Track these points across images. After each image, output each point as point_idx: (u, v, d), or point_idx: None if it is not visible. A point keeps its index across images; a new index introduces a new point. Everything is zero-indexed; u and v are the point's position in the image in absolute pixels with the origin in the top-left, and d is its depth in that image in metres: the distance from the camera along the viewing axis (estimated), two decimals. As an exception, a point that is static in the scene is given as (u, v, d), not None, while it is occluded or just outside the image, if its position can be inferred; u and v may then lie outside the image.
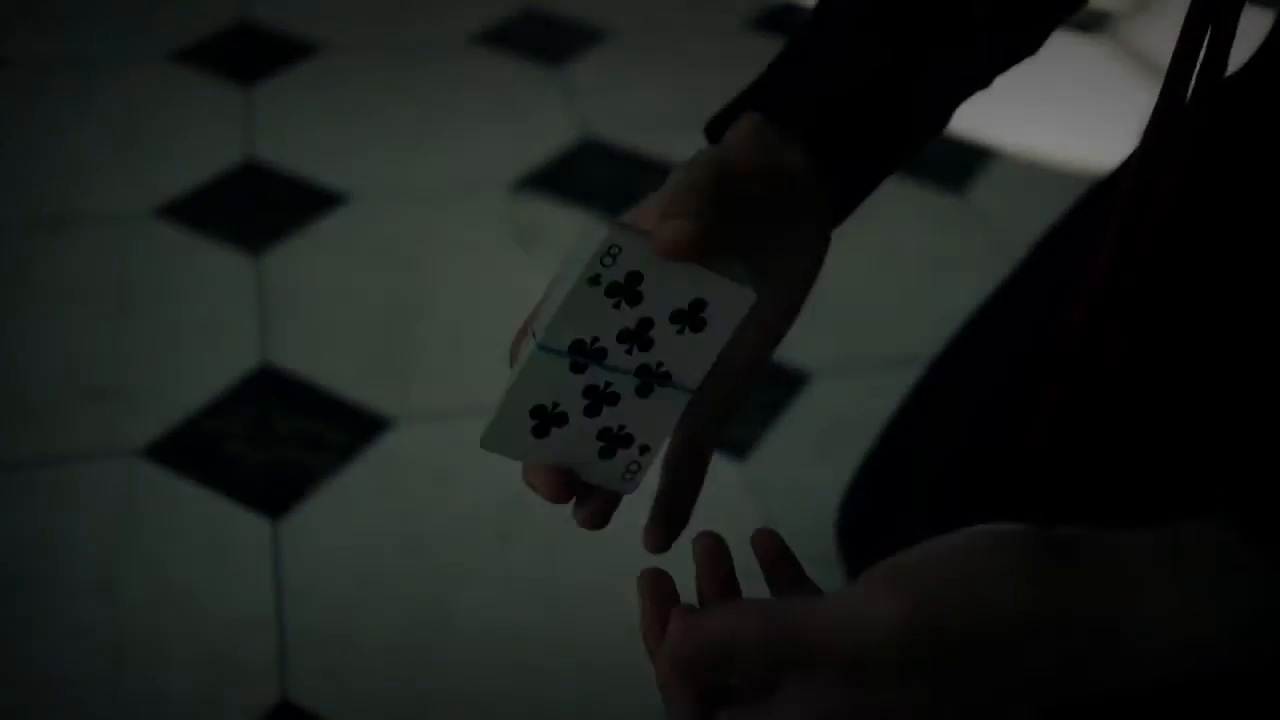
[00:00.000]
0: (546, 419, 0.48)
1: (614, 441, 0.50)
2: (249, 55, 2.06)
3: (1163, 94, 0.53)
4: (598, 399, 0.48)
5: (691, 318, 0.47)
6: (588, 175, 1.84)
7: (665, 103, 2.03)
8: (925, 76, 0.58)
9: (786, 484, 1.33)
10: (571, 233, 1.71)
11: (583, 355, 0.47)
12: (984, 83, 0.61)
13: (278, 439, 1.35)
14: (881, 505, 0.81)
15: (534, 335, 0.47)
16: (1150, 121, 0.53)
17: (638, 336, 0.47)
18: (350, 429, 1.38)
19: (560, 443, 0.49)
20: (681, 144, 1.91)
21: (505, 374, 1.48)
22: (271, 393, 1.42)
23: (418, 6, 2.26)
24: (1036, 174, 1.94)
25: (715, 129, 0.57)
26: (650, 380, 0.48)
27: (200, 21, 2.14)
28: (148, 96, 1.94)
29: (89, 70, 1.99)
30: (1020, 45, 0.62)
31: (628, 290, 0.45)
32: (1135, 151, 0.54)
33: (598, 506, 0.51)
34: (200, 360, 1.45)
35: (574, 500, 0.51)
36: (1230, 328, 0.65)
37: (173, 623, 1.16)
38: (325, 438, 1.36)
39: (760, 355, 0.53)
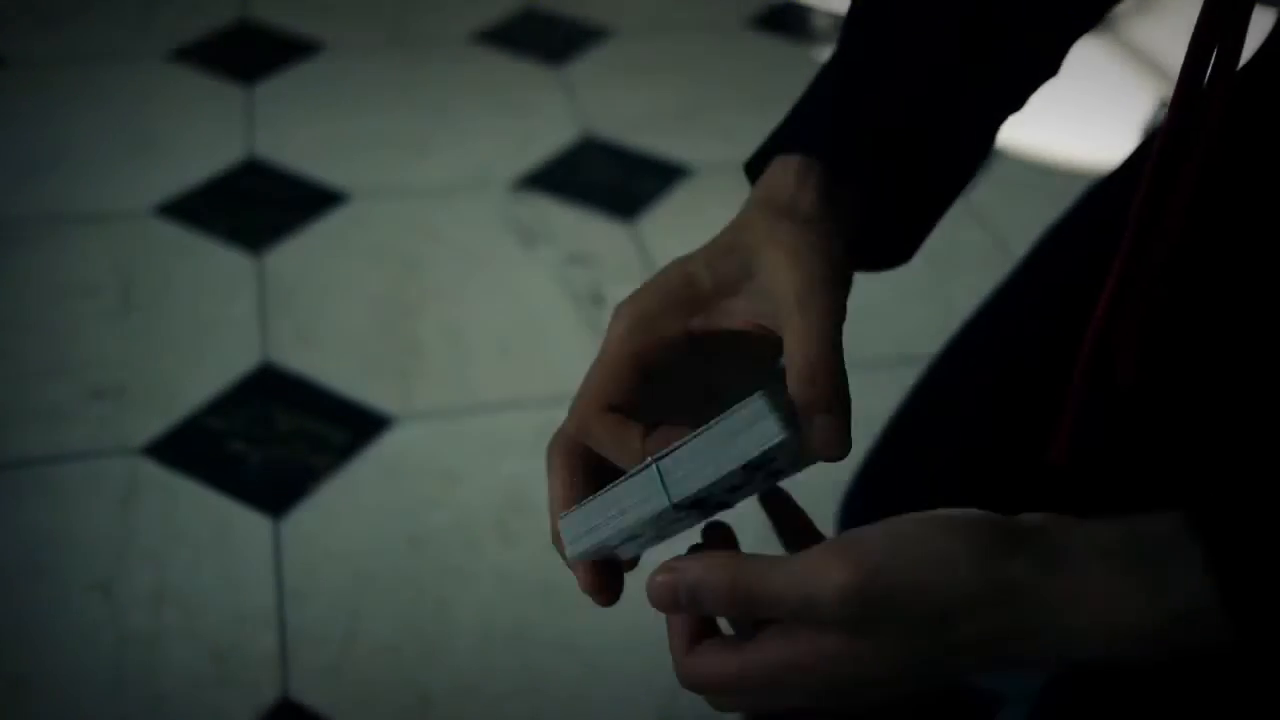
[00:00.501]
0: (629, 540, 0.50)
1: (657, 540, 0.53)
2: (250, 54, 2.07)
3: (1176, 95, 0.52)
4: (676, 524, 0.51)
5: (774, 472, 0.51)
6: (588, 174, 1.84)
7: (666, 102, 2.03)
8: (955, 108, 0.58)
9: (786, 482, 1.33)
10: (572, 231, 1.71)
11: (695, 505, 0.49)
12: (1015, 105, 0.62)
13: (278, 437, 1.36)
14: (882, 504, 0.81)
15: (665, 490, 0.48)
16: (1165, 127, 0.53)
17: (739, 485, 0.49)
18: (351, 427, 1.38)
19: (621, 548, 0.51)
20: (682, 143, 1.91)
21: (505, 372, 1.48)
22: (272, 391, 1.42)
23: (419, 5, 2.26)
24: (1037, 173, 1.94)
25: (755, 168, 0.58)
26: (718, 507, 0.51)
27: (201, 20, 2.15)
28: (149, 95, 1.94)
29: (90, 69, 1.99)
30: (1040, 66, 0.62)
31: (762, 464, 0.48)
32: (1154, 150, 0.53)
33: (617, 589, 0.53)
34: (201, 359, 1.45)
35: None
36: (1241, 332, 0.65)
37: (174, 620, 1.16)
38: (326, 436, 1.36)
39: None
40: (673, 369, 0.53)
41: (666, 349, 0.52)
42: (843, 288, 0.53)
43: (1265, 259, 0.64)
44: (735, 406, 0.47)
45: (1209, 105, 0.52)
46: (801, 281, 0.51)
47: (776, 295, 0.51)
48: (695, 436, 0.47)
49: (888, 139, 0.57)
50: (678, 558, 0.47)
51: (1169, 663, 0.44)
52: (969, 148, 0.60)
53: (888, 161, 0.57)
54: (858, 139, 0.56)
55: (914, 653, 0.44)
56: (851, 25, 0.61)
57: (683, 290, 0.52)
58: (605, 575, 0.51)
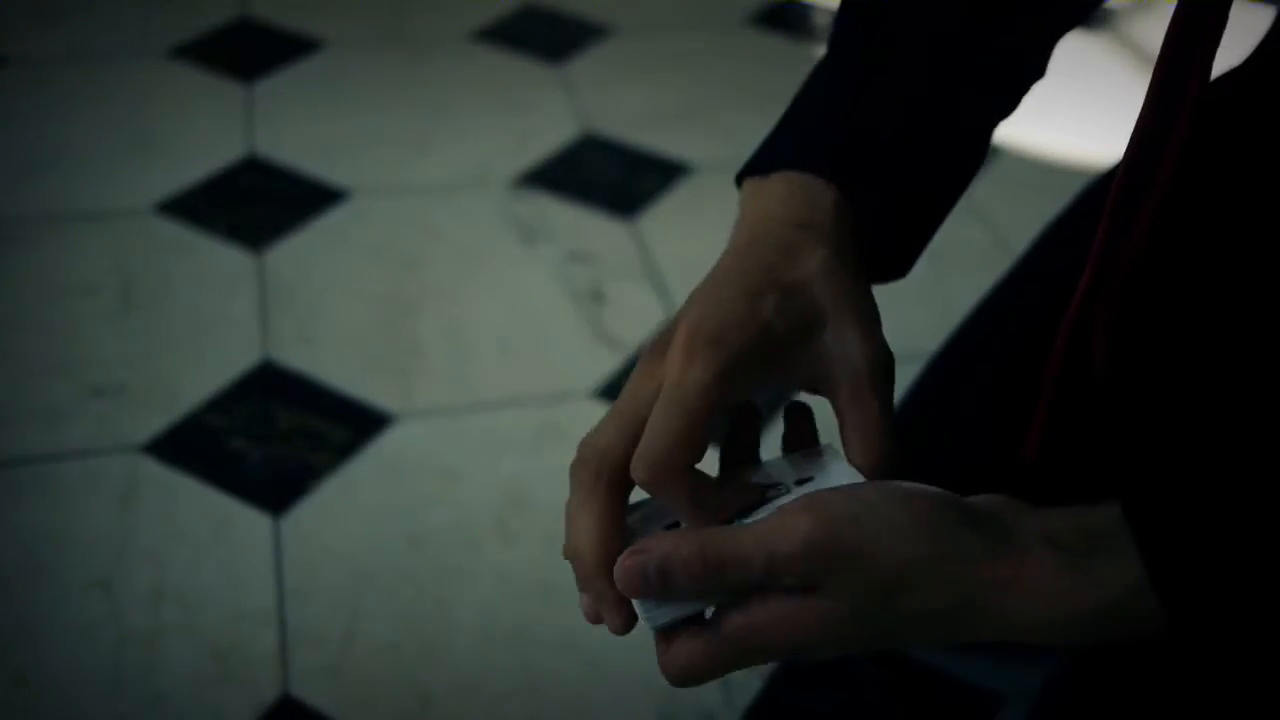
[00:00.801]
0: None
1: None
2: (250, 51, 2.06)
3: (1149, 100, 0.53)
4: None
5: None
6: (588, 172, 1.84)
7: (666, 100, 2.03)
8: (953, 110, 0.59)
9: (787, 481, 1.33)
10: (572, 230, 1.71)
11: None
12: (1008, 109, 0.62)
13: (279, 435, 1.36)
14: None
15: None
16: (1136, 131, 0.53)
17: None
18: (351, 425, 1.38)
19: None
20: (682, 141, 1.91)
21: (505, 371, 1.48)
22: (272, 389, 1.42)
23: (419, 3, 2.26)
24: (1037, 171, 1.94)
25: (751, 174, 0.58)
26: None
27: (201, 17, 2.14)
28: (149, 93, 1.94)
29: (90, 67, 1.99)
30: (1028, 68, 0.62)
31: None
32: (1124, 155, 0.54)
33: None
34: (201, 356, 1.45)
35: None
36: (1222, 331, 0.65)
37: (174, 619, 1.16)
38: (326, 434, 1.36)
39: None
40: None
41: (740, 396, 0.52)
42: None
43: (1240, 257, 0.64)
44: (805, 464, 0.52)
45: (1183, 106, 0.52)
46: (873, 362, 0.53)
47: (844, 371, 0.52)
48: (775, 499, 0.50)
49: (895, 154, 0.57)
50: (644, 539, 0.47)
51: (1112, 647, 0.46)
52: (967, 156, 0.61)
53: (896, 178, 0.57)
54: (871, 157, 0.57)
55: (865, 615, 0.45)
56: (844, 34, 0.61)
57: (760, 341, 0.51)
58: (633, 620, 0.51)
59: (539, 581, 1.22)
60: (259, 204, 1.71)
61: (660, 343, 0.52)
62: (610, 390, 1.44)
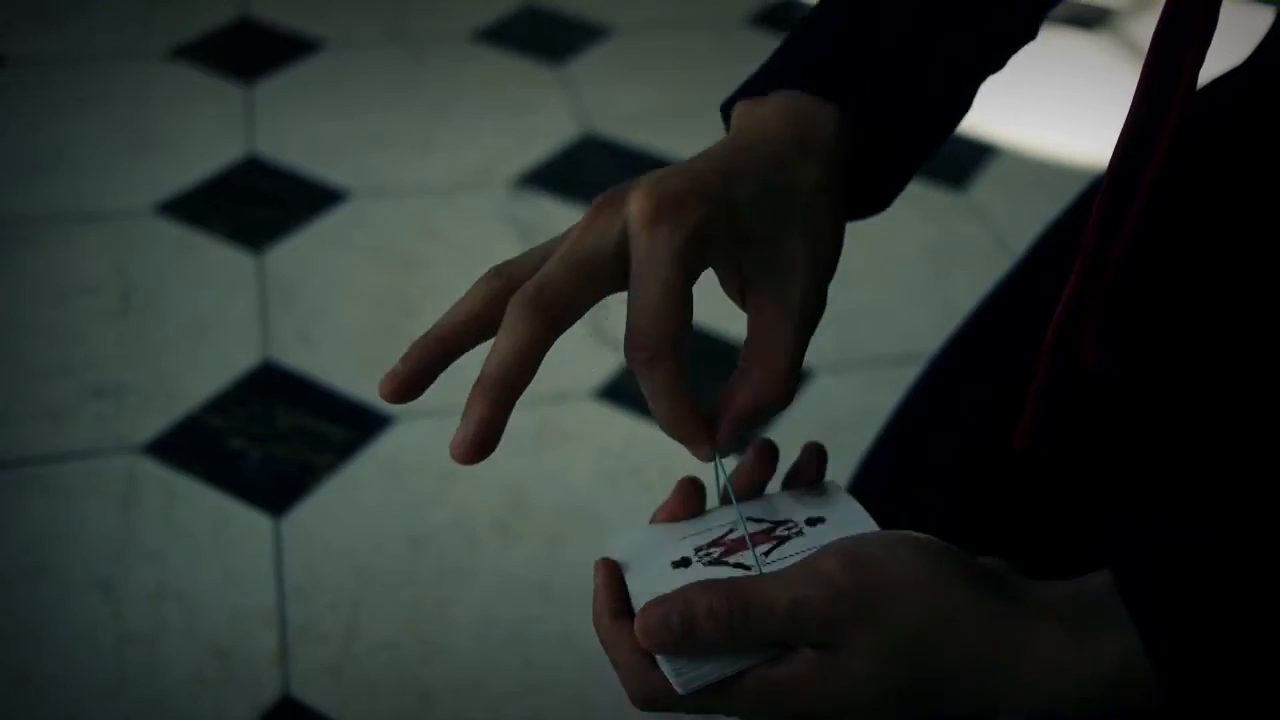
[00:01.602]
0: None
1: None
2: (250, 52, 2.07)
3: (1136, 101, 0.53)
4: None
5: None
6: (589, 172, 1.84)
7: (666, 99, 2.03)
8: (945, 50, 0.58)
9: (787, 480, 1.33)
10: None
11: None
12: (997, 63, 0.62)
13: (279, 436, 1.36)
14: (883, 500, 0.81)
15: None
16: (1124, 131, 0.53)
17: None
18: (351, 426, 1.38)
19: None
20: (682, 140, 1.91)
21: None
22: (273, 389, 1.42)
23: (419, 3, 2.26)
24: (1037, 170, 1.94)
25: (745, 97, 0.57)
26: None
27: (201, 18, 2.14)
28: (149, 93, 1.94)
29: (90, 67, 1.99)
30: (1018, 28, 0.62)
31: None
32: (1112, 154, 0.54)
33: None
34: (201, 357, 1.46)
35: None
36: (1217, 327, 0.65)
37: (174, 618, 1.16)
38: (326, 434, 1.36)
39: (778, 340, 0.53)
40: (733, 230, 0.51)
41: (702, 268, 0.50)
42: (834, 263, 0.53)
43: (1239, 255, 0.64)
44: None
45: (1171, 106, 0.52)
46: (810, 304, 0.51)
47: (780, 295, 0.51)
48: (788, 538, 0.51)
49: (891, 85, 0.56)
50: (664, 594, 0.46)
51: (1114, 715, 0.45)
52: (955, 100, 0.60)
53: (892, 108, 0.56)
54: (870, 85, 0.55)
55: (886, 676, 0.45)
56: None
57: (724, 219, 0.49)
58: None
59: (539, 581, 1.22)
60: (259, 204, 1.72)
61: (613, 195, 0.49)
62: (610, 390, 1.44)
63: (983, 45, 0.61)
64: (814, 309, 0.52)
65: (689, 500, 0.53)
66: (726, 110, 0.58)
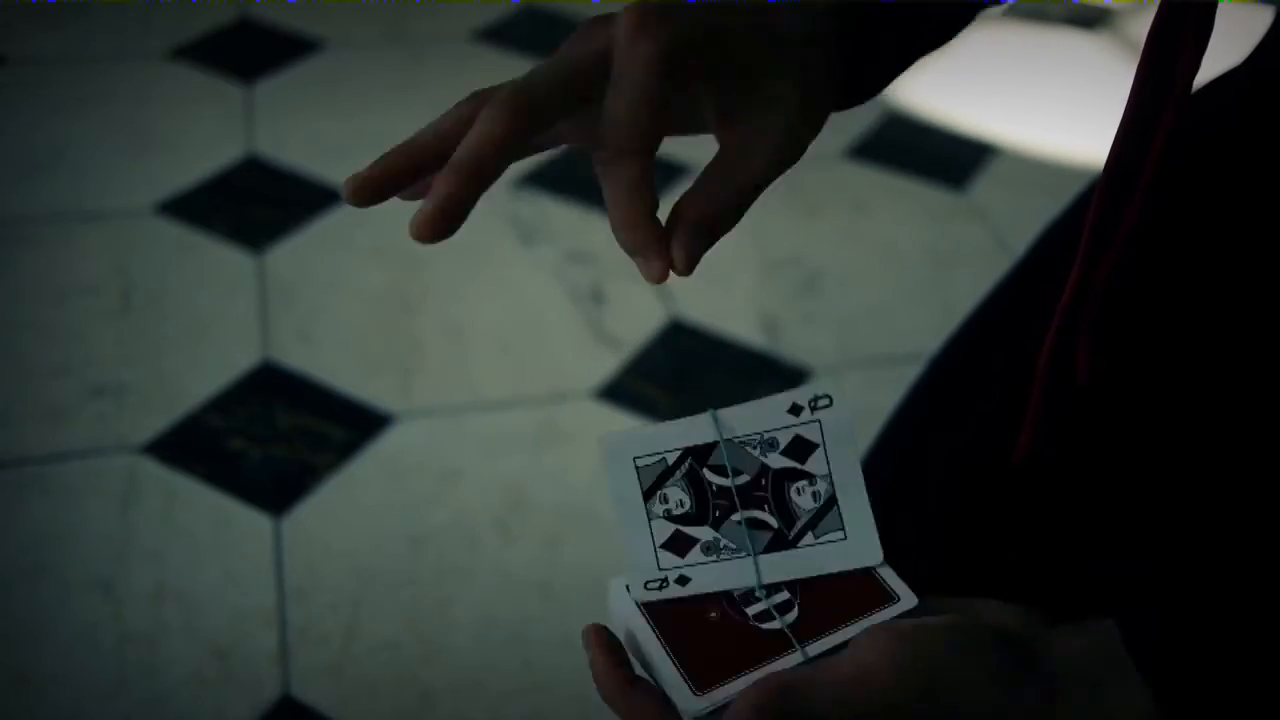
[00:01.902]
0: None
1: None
2: (250, 52, 2.07)
3: (1133, 97, 0.53)
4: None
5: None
6: (588, 171, 1.83)
7: (666, 99, 2.03)
8: None
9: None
10: (572, 229, 1.71)
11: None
12: None
13: (279, 435, 1.36)
14: (883, 500, 0.81)
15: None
16: (1121, 124, 0.53)
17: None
18: (351, 425, 1.38)
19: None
20: (681, 140, 1.90)
21: (505, 370, 1.48)
22: (273, 389, 1.42)
23: (419, 3, 2.27)
24: (1036, 170, 1.94)
25: None
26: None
27: (201, 18, 2.15)
28: (149, 93, 1.94)
29: (90, 67, 1.99)
30: None
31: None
32: (1110, 153, 0.54)
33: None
34: (202, 357, 1.46)
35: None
36: (1213, 331, 0.65)
37: (175, 618, 1.16)
38: (326, 434, 1.36)
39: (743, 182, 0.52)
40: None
41: (683, 82, 0.50)
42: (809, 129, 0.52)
43: (1238, 258, 0.64)
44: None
45: (1166, 107, 0.52)
46: (789, 129, 0.51)
47: (773, 108, 0.50)
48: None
49: None
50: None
51: None
52: (957, 9, 0.60)
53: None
54: None
55: None
56: None
57: (710, 37, 0.50)
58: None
59: (539, 581, 1.22)
60: (259, 204, 1.72)
61: (603, 16, 0.50)
62: (610, 390, 1.44)
63: None
64: (792, 144, 0.51)
65: (612, 652, 0.52)
66: None
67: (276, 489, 1.29)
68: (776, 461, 0.52)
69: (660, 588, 0.50)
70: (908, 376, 0.86)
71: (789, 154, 0.52)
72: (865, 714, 0.44)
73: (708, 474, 0.51)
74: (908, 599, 0.49)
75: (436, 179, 0.48)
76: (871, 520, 0.52)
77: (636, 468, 0.51)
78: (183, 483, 1.29)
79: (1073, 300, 0.55)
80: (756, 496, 0.51)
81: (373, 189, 0.50)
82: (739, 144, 0.51)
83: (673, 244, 0.50)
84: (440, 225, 0.47)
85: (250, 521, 1.26)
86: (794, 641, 0.48)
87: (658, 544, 0.50)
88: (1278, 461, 0.62)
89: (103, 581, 1.19)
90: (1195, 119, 0.65)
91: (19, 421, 1.35)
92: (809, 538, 0.51)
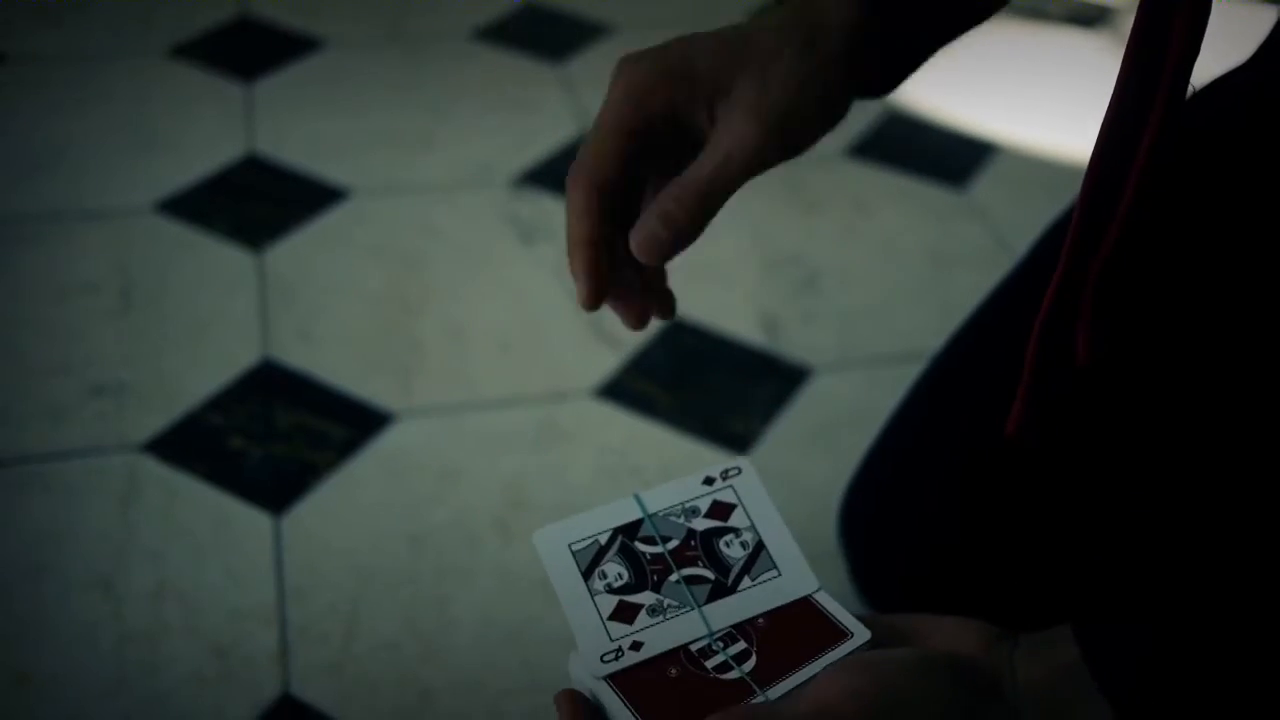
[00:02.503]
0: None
1: None
2: (250, 50, 2.07)
3: (1121, 78, 0.53)
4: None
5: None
6: (589, 171, 1.83)
7: (666, 98, 2.03)
8: None
9: (788, 479, 1.33)
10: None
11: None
12: None
13: (279, 434, 1.36)
14: (883, 500, 0.82)
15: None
16: (1109, 118, 0.53)
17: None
18: (352, 424, 1.38)
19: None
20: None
21: (505, 369, 1.48)
22: (273, 388, 1.42)
23: (419, 3, 2.27)
24: (1037, 169, 1.94)
25: None
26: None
27: (201, 16, 2.14)
28: (149, 92, 1.94)
29: (90, 65, 1.99)
30: None
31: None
32: (1099, 139, 0.54)
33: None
34: (201, 355, 1.46)
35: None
36: (1194, 315, 0.65)
37: (174, 617, 1.16)
38: (326, 433, 1.36)
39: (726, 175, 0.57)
40: (658, 145, 0.57)
41: (653, 124, 0.56)
42: (805, 128, 0.56)
43: (1236, 252, 0.64)
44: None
45: (1155, 97, 0.52)
46: (746, 114, 0.55)
47: (730, 111, 0.55)
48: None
49: None
50: None
51: None
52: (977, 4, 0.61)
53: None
54: None
55: None
56: None
57: (678, 68, 0.56)
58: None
59: (539, 580, 1.22)
60: (259, 203, 1.72)
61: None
62: (610, 390, 1.44)
63: None
64: (743, 150, 0.55)
65: (583, 715, 0.53)
66: None
67: (276, 488, 1.30)
68: (701, 524, 0.55)
69: (616, 657, 0.51)
70: (908, 376, 0.86)
71: (749, 150, 0.55)
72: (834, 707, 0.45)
73: (639, 545, 0.54)
74: (860, 634, 0.50)
75: (571, 270, 0.57)
76: (800, 554, 0.54)
77: (572, 552, 0.55)
78: (183, 481, 1.29)
79: (1063, 282, 0.55)
80: (689, 556, 0.54)
81: (599, 294, 0.58)
82: (704, 152, 0.55)
83: (632, 231, 0.56)
84: (596, 299, 0.57)
85: (250, 520, 1.26)
86: (755, 687, 0.48)
87: (605, 617, 0.52)
88: (1272, 451, 0.62)
89: (102, 580, 1.19)
90: (1197, 116, 0.65)
91: (18, 420, 1.35)
92: (746, 581, 0.53)
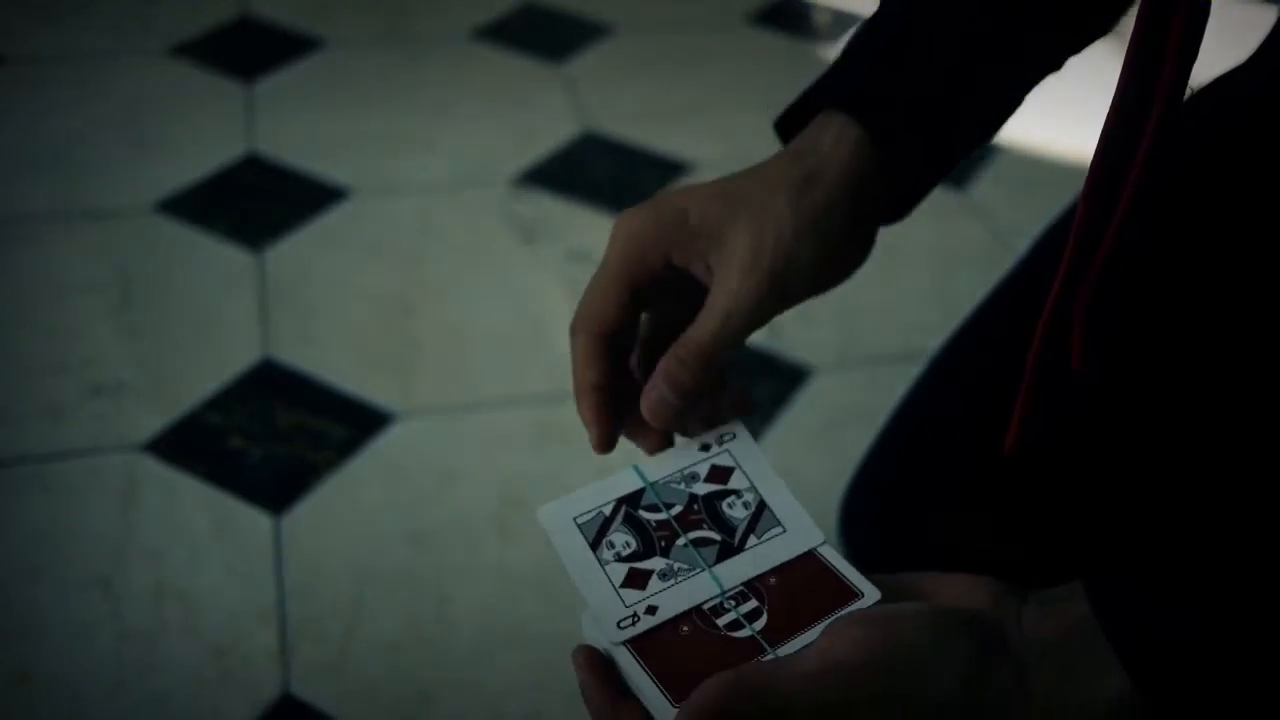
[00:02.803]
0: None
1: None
2: (250, 50, 2.07)
3: (1121, 84, 0.53)
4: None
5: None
6: (589, 170, 1.84)
7: (666, 98, 2.03)
8: (1000, 66, 0.59)
9: (788, 478, 1.33)
10: (572, 228, 1.71)
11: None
12: (1055, 65, 0.63)
13: (279, 434, 1.36)
14: (884, 499, 0.81)
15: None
16: (1109, 123, 0.53)
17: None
18: (351, 424, 1.38)
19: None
20: (682, 138, 1.91)
21: (505, 369, 1.48)
22: (272, 387, 1.42)
23: (419, 3, 2.26)
24: (1037, 169, 1.94)
25: (787, 125, 0.61)
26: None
27: (201, 16, 2.14)
28: (149, 91, 1.94)
29: (90, 65, 1.99)
30: (1051, 62, 0.63)
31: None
32: (1099, 141, 0.54)
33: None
34: (202, 355, 1.46)
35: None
36: (1193, 322, 0.65)
37: (175, 617, 1.16)
38: (326, 433, 1.36)
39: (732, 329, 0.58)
40: (660, 290, 0.58)
41: (652, 274, 0.57)
42: (809, 272, 0.58)
43: (1237, 255, 0.64)
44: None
45: (1155, 100, 0.52)
46: (741, 271, 0.56)
47: (724, 267, 0.56)
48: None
49: (925, 104, 0.58)
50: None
51: None
52: (997, 111, 0.62)
53: (923, 124, 0.58)
54: (899, 101, 0.58)
55: None
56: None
57: (671, 220, 0.57)
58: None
59: (539, 580, 1.22)
60: (259, 203, 1.72)
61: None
62: (610, 389, 1.44)
63: (1038, 56, 0.62)
64: (749, 305, 0.57)
65: (600, 670, 0.54)
66: (778, 128, 0.63)
67: (276, 487, 1.29)
68: (702, 489, 0.57)
69: (633, 623, 0.52)
70: (908, 375, 0.86)
71: (739, 319, 0.58)
72: (832, 703, 0.45)
73: (644, 514, 0.55)
74: (870, 594, 0.51)
75: (579, 410, 0.59)
76: (802, 510, 0.57)
77: (578, 525, 0.55)
78: (183, 481, 1.29)
79: (1063, 291, 0.55)
80: (694, 520, 0.55)
81: (611, 439, 0.60)
82: (703, 310, 0.57)
83: (641, 396, 0.59)
84: (606, 447, 0.59)
85: (250, 520, 1.26)
86: (765, 645, 0.49)
87: (617, 585, 0.54)
88: (1272, 451, 0.62)
89: (102, 580, 1.19)
90: (1197, 116, 0.65)
91: (18, 420, 1.35)
92: (752, 539, 0.55)
